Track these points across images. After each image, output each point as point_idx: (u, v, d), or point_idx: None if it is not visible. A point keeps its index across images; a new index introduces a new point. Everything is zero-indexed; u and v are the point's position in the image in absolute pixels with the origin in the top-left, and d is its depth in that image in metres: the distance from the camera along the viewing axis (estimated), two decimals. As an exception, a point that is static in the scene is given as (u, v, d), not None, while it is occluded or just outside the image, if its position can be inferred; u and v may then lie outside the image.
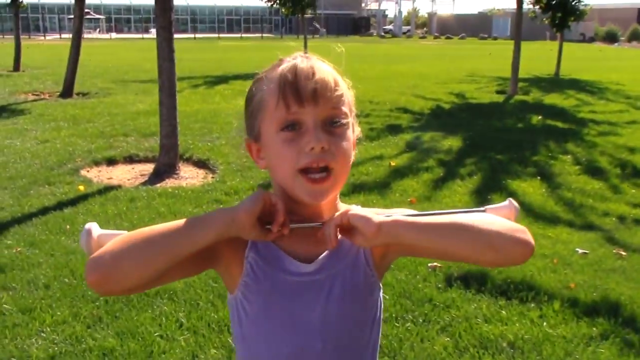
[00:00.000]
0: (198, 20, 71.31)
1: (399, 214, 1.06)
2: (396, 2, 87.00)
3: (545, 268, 3.96)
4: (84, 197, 5.43)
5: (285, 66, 1.08)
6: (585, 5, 19.72)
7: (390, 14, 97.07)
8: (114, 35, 59.52)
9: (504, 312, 3.33)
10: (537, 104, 12.35)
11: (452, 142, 8.13)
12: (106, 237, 1.05)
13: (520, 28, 14.38)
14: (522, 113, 11.04)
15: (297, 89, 1.04)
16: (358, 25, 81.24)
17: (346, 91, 1.11)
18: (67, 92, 12.75)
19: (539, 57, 24.41)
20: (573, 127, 9.62)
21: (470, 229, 1.01)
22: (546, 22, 20.52)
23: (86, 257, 1.04)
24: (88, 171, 6.55)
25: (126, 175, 6.52)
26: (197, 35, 57.77)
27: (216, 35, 62.26)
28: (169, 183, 6.15)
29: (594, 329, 3.18)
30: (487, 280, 3.71)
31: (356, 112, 1.14)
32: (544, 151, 7.72)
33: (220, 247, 1.08)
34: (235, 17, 74.52)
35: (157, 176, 6.35)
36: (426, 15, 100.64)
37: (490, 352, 2.92)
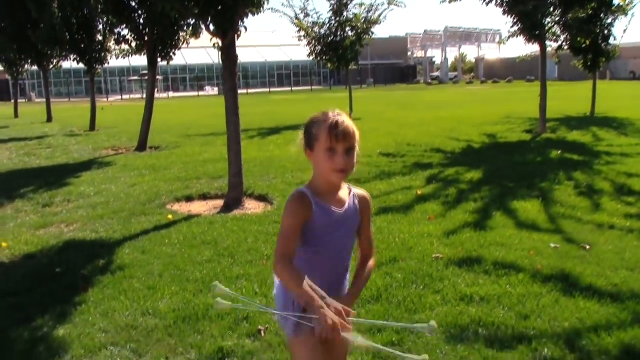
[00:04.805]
0: (250, 76, 74.51)
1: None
2: (442, 50, 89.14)
3: (522, 257, 5.27)
4: (173, 223, 7.03)
5: (331, 120, 2.31)
6: (615, 45, 20.78)
7: (438, 60, 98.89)
8: (171, 94, 62.98)
9: (481, 281, 4.67)
10: (561, 141, 13.52)
11: (474, 175, 9.46)
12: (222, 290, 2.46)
13: (545, 72, 15.75)
14: (544, 149, 12.22)
15: (337, 135, 2.32)
16: (405, 73, 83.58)
17: (356, 133, 2.44)
18: (142, 146, 14.67)
19: (584, 97, 24.86)
20: (587, 159, 10.79)
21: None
22: (578, 65, 21.75)
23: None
24: (172, 206, 8.18)
25: (202, 208, 8.11)
26: (250, 91, 60.77)
27: (267, 89, 65.23)
28: (237, 212, 7.70)
29: (544, 289, 4.49)
30: (475, 264, 5.06)
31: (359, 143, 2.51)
32: (552, 178, 8.95)
33: (303, 219, 2.38)
34: (285, 71, 77.42)
35: (227, 208, 7.92)
36: (473, 61, 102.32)
37: (465, 302, 4.27)
